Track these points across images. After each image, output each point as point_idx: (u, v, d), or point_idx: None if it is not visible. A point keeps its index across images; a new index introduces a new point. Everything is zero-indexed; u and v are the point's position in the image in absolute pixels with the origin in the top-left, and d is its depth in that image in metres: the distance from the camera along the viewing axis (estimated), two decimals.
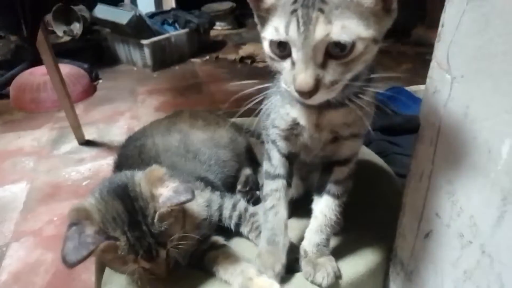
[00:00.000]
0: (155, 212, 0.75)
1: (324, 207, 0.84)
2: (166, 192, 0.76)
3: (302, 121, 0.75)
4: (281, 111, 0.78)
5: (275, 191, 0.86)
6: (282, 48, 0.59)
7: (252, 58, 3.39)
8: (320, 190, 0.86)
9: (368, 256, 0.88)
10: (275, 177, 0.86)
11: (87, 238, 0.69)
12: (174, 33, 3.41)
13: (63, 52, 3.11)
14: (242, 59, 3.42)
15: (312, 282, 0.82)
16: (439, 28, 0.62)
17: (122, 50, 3.42)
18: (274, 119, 0.81)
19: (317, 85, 0.57)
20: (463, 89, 0.60)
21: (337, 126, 0.76)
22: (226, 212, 0.97)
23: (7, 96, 2.89)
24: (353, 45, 0.55)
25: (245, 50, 3.52)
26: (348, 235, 0.94)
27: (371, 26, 0.56)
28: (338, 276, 0.82)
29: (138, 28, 3.17)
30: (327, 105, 0.69)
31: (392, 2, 0.58)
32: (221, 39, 4.06)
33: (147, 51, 3.21)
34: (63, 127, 2.50)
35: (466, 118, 0.60)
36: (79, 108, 2.75)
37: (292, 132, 0.80)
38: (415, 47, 3.58)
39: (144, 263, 0.76)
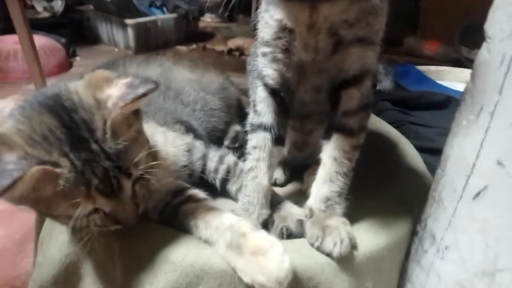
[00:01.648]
0: (105, 122, 0.54)
1: (334, 148, 0.66)
2: (116, 91, 0.56)
3: (291, 22, 0.61)
4: (265, 16, 0.64)
5: (254, 149, 0.69)
6: None
7: (240, 50, 3.23)
8: (328, 131, 0.68)
9: (390, 226, 0.68)
10: (257, 127, 0.69)
11: (7, 165, 0.48)
12: (162, 16, 3.22)
13: (40, 27, 2.88)
14: (230, 51, 3.25)
15: (319, 249, 0.61)
16: None
17: (104, 29, 3.21)
18: (260, 31, 0.67)
19: None
20: None
21: (336, 24, 0.60)
22: (211, 164, 0.78)
23: None
24: None
25: (234, 42, 3.35)
26: (367, 201, 0.74)
27: None
28: (353, 246, 0.62)
29: (123, 7, 2.98)
30: None
31: None
32: (210, 31, 3.90)
33: (130, 32, 3.01)
34: None
35: None
36: (52, 83, 2.50)
37: (280, 44, 0.64)
38: (405, 57, 3.54)
39: (102, 201, 0.54)
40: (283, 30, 0.62)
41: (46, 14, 3.56)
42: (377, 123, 1.05)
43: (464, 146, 0.58)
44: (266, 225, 0.70)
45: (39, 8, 3.57)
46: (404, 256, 0.73)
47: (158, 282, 0.59)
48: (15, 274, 1.27)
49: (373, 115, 1.10)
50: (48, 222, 0.69)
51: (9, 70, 2.55)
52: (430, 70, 1.80)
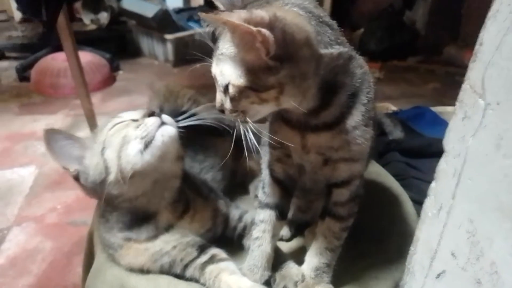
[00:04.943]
0: None
1: (325, 229, 0.79)
2: None
3: (287, 141, 0.73)
4: (270, 128, 0.78)
5: (261, 222, 0.82)
6: None
7: None
8: (323, 213, 0.80)
9: None
10: (264, 206, 0.82)
11: None
12: (199, 30, 3.37)
13: (87, 40, 3.12)
14: None
15: None
16: (476, 47, 0.54)
17: (145, 43, 3.42)
18: (269, 135, 0.79)
19: (222, 107, 0.68)
20: (498, 117, 0.52)
21: (323, 148, 0.72)
22: (231, 224, 0.92)
23: (28, 79, 2.92)
24: (227, 86, 0.64)
25: None
26: (353, 263, 0.86)
27: (245, 77, 0.62)
28: None
29: (163, 23, 3.16)
30: (305, 127, 0.70)
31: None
32: None
33: (170, 46, 3.20)
34: (78, 115, 2.49)
35: (498, 151, 0.52)
36: (97, 97, 2.75)
37: (282, 151, 0.77)
38: (445, 66, 3.44)
39: None
40: (283, 143, 0.74)
41: (93, 26, 3.83)
42: (382, 176, 1.14)
43: (429, 233, 0.68)
44: (268, 282, 0.83)
45: (86, 21, 3.85)
46: None
47: None
48: (64, 284, 1.43)
49: (380, 167, 1.20)
50: (93, 269, 0.86)
51: (59, 86, 2.78)
52: (447, 111, 1.81)
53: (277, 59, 0.59)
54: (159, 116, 0.78)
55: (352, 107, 0.69)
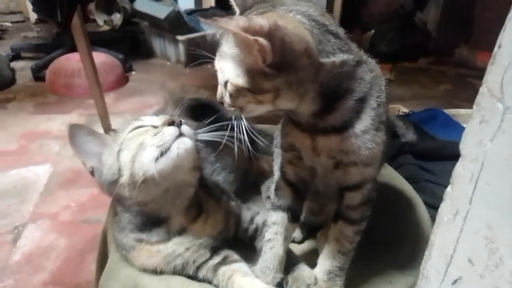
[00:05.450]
0: None
1: (338, 232, 0.78)
2: None
3: (297, 143, 0.75)
4: (282, 130, 0.79)
5: (274, 224, 0.82)
6: None
7: None
8: (335, 216, 0.80)
9: None
10: (276, 208, 0.83)
11: None
12: (210, 31, 3.38)
13: (101, 41, 3.16)
14: None
15: None
16: (495, 49, 0.53)
17: (157, 44, 3.45)
18: (280, 138, 0.82)
19: (221, 99, 0.70)
20: None
21: (334, 151, 0.71)
22: (243, 225, 0.92)
23: (43, 79, 2.97)
24: (226, 83, 0.66)
25: None
26: (366, 267, 0.85)
27: (243, 78, 0.63)
28: None
29: (175, 24, 3.18)
30: (314, 130, 0.71)
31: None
32: None
33: (181, 47, 3.22)
34: (92, 114, 2.52)
35: None
36: (110, 97, 2.78)
37: (294, 154, 0.78)
38: (456, 68, 3.40)
39: None
40: (295, 146, 0.76)
41: (106, 27, 3.88)
42: (394, 179, 1.13)
43: (444, 238, 0.67)
44: (281, 284, 0.84)
45: (100, 22, 3.90)
46: None
47: None
48: (77, 281, 1.45)
49: (392, 170, 1.19)
50: (107, 268, 0.87)
51: (73, 86, 2.81)
52: (460, 114, 1.79)
53: (274, 67, 0.60)
54: (179, 126, 0.78)
55: (361, 111, 0.68)
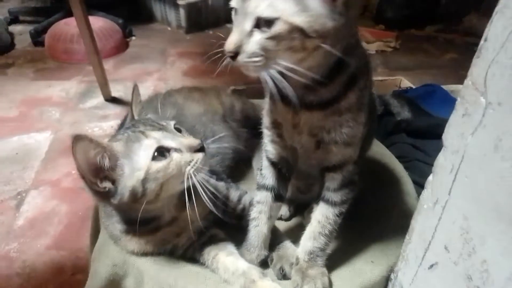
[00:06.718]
0: None
1: (319, 214, 0.80)
2: None
3: (280, 118, 0.73)
4: (266, 107, 0.78)
5: (258, 203, 0.84)
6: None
7: None
8: (318, 198, 0.81)
9: (366, 274, 0.82)
10: (261, 187, 0.84)
11: None
12: None
13: (99, 4, 3.08)
14: None
15: None
16: (481, 42, 0.52)
17: (158, 8, 3.36)
18: (263, 117, 0.80)
19: (238, 50, 0.60)
20: (498, 118, 0.51)
21: (315, 129, 0.72)
22: (231, 204, 0.94)
23: (42, 43, 2.92)
24: (273, 21, 0.57)
25: None
26: (349, 246, 0.87)
27: (299, 15, 0.57)
28: None
29: None
30: (300, 104, 0.68)
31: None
32: None
33: (182, 11, 3.14)
34: (92, 81, 2.51)
35: (496, 152, 0.51)
36: (109, 64, 2.75)
37: (276, 132, 0.78)
38: (465, 36, 3.29)
39: None
40: (277, 122, 0.75)
41: None
42: (386, 157, 1.13)
43: (424, 225, 0.69)
44: (265, 261, 0.86)
45: None
46: None
47: None
48: (79, 246, 1.50)
49: (385, 148, 1.19)
50: (98, 243, 0.90)
51: (73, 52, 2.76)
52: (459, 90, 1.71)
53: (344, 4, 0.58)
54: (204, 150, 0.77)
55: (349, 89, 0.69)
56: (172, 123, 0.81)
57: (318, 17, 0.57)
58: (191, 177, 0.74)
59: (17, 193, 1.73)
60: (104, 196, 0.74)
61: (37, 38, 2.96)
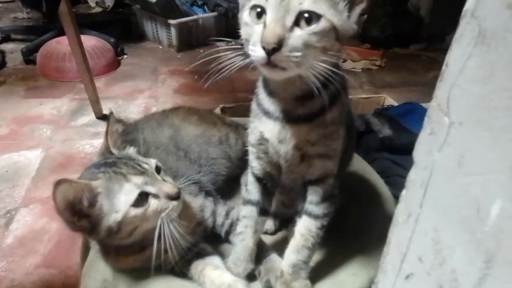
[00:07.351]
0: None
1: (302, 227, 0.83)
2: None
3: (267, 133, 0.77)
4: (251, 125, 0.81)
5: (244, 218, 0.87)
6: (259, 13, 0.65)
7: None
8: (301, 212, 0.85)
9: (348, 286, 0.85)
10: (247, 202, 0.87)
11: None
12: (202, 15, 3.37)
13: (92, 24, 3.14)
14: None
15: None
16: (443, 67, 0.56)
17: (149, 27, 3.42)
18: (248, 135, 0.84)
19: (281, 43, 0.60)
20: (460, 136, 0.55)
21: (301, 142, 0.76)
22: (219, 219, 0.97)
23: (34, 62, 2.95)
24: (319, 17, 0.61)
25: None
26: (332, 259, 0.91)
27: (336, 16, 0.62)
28: None
29: (167, 7, 3.16)
30: (287, 118, 0.73)
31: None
32: None
33: (173, 31, 3.20)
34: (83, 99, 2.53)
35: (459, 168, 0.55)
36: (101, 82, 2.78)
37: (261, 148, 0.81)
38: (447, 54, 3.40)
39: None
40: (264, 139, 0.79)
41: (98, 9, 3.84)
42: (368, 173, 1.17)
43: (399, 237, 0.72)
44: (252, 275, 0.89)
45: (92, 3, 3.86)
46: None
47: None
48: (68, 264, 1.50)
49: (366, 164, 1.23)
50: (89, 259, 0.92)
51: (65, 70, 2.78)
52: None
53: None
54: (179, 198, 0.82)
55: (333, 104, 0.74)
56: (153, 162, 0.84)
57: (345, 22, 0.64)
58: (163, 222, 0.79)
59: (6, 211, 1.73)
60: (82, 231, 0.79)
61: (28, 56, 2.99)
